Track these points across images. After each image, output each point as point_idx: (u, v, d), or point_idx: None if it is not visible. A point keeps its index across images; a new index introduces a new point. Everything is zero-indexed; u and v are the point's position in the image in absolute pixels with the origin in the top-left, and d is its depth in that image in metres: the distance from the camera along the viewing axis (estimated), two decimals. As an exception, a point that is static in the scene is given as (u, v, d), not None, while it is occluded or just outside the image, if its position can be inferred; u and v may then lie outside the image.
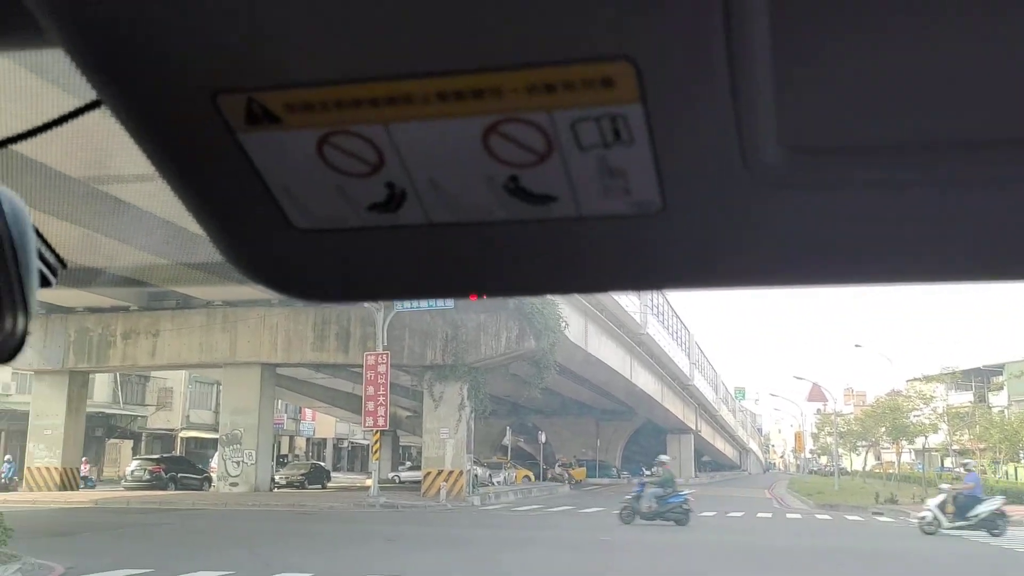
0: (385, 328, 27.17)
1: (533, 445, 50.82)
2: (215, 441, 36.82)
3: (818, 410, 71.19)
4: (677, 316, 52.52)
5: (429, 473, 29.10)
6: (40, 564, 12.14)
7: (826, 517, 26.88)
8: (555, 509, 26.81)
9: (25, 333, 0.52)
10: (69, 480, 31.13)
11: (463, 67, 0.46)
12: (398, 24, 0.44)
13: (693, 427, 62.98)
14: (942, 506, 19.75)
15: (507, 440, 44.33)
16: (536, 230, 0.54)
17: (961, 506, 19.43)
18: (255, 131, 0.50)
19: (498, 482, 36.94)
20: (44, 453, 31.22)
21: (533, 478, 42.21)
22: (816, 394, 59.95)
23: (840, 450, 60.57)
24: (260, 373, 30.16)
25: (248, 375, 30.12)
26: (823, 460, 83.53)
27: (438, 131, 0.49)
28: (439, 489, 27.30)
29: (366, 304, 27.18)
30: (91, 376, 34.43)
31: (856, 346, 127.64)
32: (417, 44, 0.45)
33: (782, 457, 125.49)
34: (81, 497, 27.79)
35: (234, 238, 0.59)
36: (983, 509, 19.22)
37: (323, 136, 0.50)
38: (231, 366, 30.34)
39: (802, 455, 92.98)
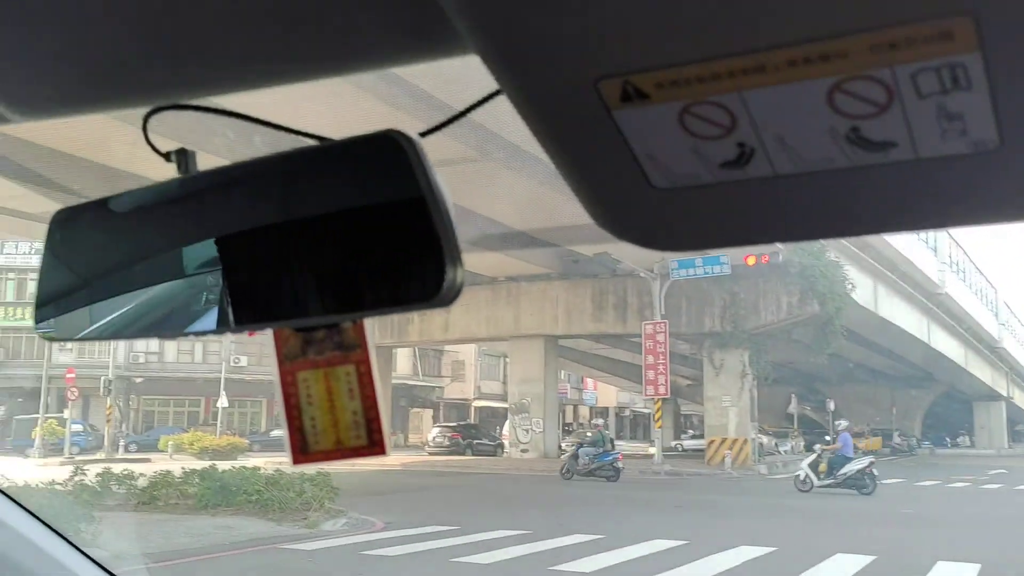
0: (662, 297, 27.22)
1: (820, 413, 48.73)
2: (503, 410, 38.83)
3: None
4: (981, 273, 48.01)
5: (712, 441, 28.87)
6: (363, 519, 13.47)
7: None
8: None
9: (462, 284, 0.61)
10: (381, 445, 34.22)
11: (812, 36, 0.49)
12: (755, 2, 0.48)
13: (1004, 393, 57.49)
14: (814, 465, 20.77)
15: (792, 408, 42.79)
16: (875, 174, 0.57)
17: (831, 465, 20.49)
18: (627, 107, 0.56)
19: (785, 451, 35.86)
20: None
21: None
22: None
23: None
24: (543, 345, 31.35)
25: (532, 347, 31.41)
26: None
27: (787, 94, 0.52)
28: (723, 457, 27.04)
29: (642, 273, 27.40)
30: (394, 350, 37.49)
31: None
32: (771, 19, 0.49)
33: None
34: (391, 461, 30.43)
35: (603, 201, 0.69)
36: (850, 468, 20.26)
37: (685, 107, 0.55)
38: (516, 339, 31.81)
39: None
